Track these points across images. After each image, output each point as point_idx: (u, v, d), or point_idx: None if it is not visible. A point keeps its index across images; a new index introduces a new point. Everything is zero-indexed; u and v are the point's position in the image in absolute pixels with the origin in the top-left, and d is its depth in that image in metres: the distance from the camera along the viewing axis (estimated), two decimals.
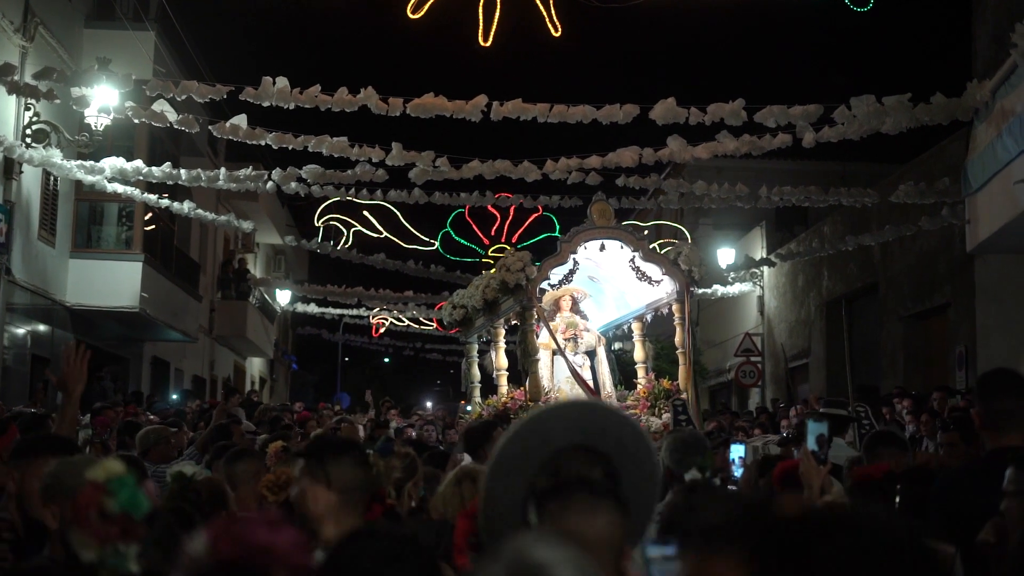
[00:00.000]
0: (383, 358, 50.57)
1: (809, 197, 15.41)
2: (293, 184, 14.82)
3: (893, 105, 11.84)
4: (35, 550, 3.42)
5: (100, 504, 2.09)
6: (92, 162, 14.51)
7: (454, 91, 12.68)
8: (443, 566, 2.95)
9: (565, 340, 11.54)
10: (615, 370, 12.22)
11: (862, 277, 19.96)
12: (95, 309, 19.07)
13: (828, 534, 1.51)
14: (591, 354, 11.98)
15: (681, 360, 11.01)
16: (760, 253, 23.27)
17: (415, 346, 38.04)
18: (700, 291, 18.15)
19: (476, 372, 12.97)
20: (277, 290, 32.78)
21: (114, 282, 19.10)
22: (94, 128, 15.50)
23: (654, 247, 11.76)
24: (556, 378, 11.53)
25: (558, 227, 28.42)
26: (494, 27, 13.23)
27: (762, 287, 25.00)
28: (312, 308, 31.64)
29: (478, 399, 12.76)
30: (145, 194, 16.13)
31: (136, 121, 13.49)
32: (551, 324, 11.55)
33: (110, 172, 14.37)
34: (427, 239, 29.88)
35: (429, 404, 35.77)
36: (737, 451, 8.14)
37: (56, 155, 14.40)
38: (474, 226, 30.42)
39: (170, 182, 15.20)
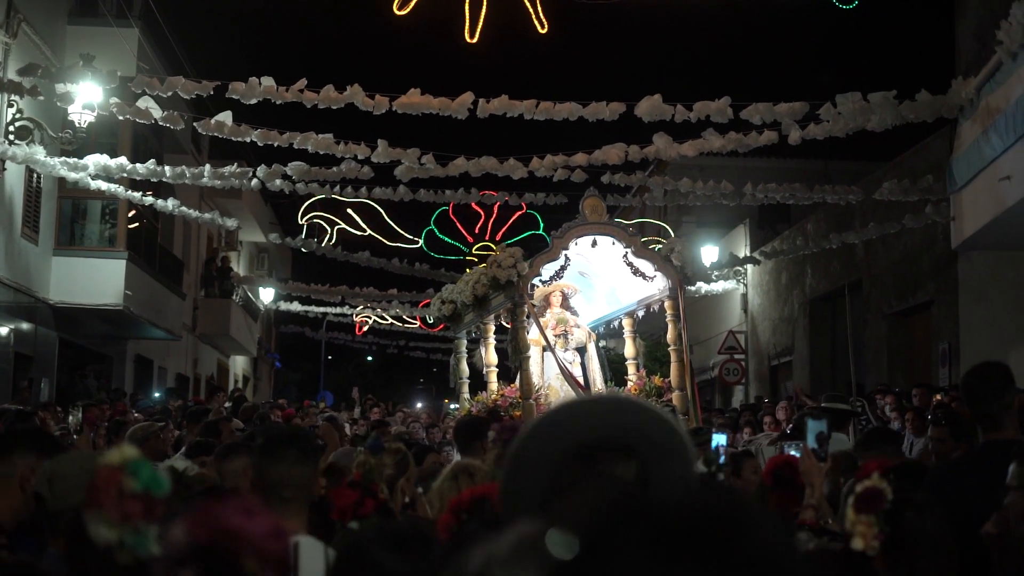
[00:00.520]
0: (366, 356, 50.46)
1: (794, 194, 15.46)
2: (278, 181, 14.78)
3: (879, 102, 11.90)
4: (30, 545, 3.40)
5: (120, 484, 2.07)
6: (75, 159, 14.45)
7: (440, 88, 12.67)
8: None
9: (555, 336, 11.50)
10: (605, 366, 12.17)
11: (845, 275, 20.03)
12: (78, 307, 18.99)
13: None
14: (581, 350, 11.92)
15: (674, 357, 10.95)
16: (744, 251, 23.25)
17: (398, 344, 38.01)
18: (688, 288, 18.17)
19: (465, 368, 12.87)
20: (260, 288, 32.70)
21: (97, 280, 19.02)
22: (77, 125, 15.44)
23: (645, 242, 11.75)
24: (547, 375, 11.50)
25: (542, 224, 28.51)
26: (480, 24, 13.24)
27: (746, 285, 25.02)
28: (295, 306, 31.58)
29: (467, 395, 12.70)
30: (129, 191, 16.08)
31: (120, 118, 13.43)
32: (541, 320, 11.53)
33: (93, 169, 14.31)
34: (411, 237, 29.90)
35: (420, 404, 35.63)
36: (719, 439, 8.14)
37: (39, 152, 14.30)
38: (458, 224, 30.45)
39: (154, 179, 15.13)
